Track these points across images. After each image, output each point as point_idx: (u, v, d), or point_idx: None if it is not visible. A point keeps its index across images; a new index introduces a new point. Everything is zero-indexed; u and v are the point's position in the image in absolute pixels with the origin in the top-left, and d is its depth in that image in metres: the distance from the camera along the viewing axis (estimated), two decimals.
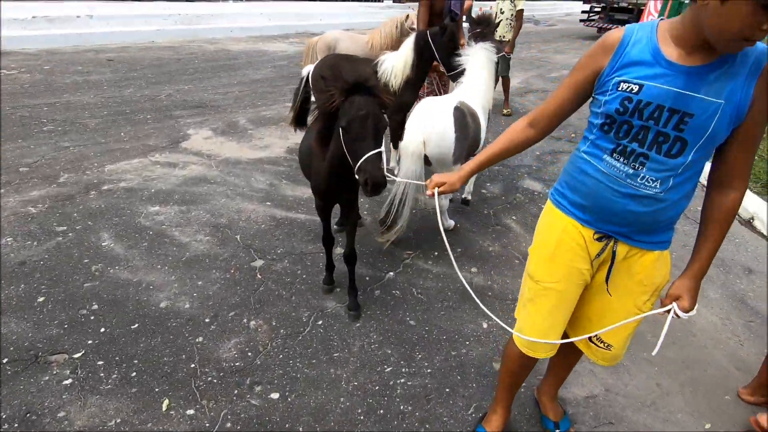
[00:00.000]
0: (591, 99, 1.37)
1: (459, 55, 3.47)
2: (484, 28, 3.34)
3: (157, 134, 4.86)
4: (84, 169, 3.96)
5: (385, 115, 1.81)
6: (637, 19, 14.64)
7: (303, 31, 12.98)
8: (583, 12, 16.34)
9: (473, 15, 4.62)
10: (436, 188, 1.58)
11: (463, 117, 2.83)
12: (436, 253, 3.12)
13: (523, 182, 4.36)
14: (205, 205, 3.54)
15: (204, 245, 3.04)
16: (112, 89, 6.29)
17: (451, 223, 3.36)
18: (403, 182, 2.73)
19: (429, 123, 2.78)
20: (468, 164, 1.57)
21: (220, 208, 3.50)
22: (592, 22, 15.83)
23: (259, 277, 2.77)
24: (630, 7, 14.78)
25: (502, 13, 5.53)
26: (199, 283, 2.68)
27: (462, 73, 3.48)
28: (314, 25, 13.53)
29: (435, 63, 3.69)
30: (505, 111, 6.15)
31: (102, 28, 9.44)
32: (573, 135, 5.73)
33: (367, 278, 2.82)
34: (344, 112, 1.76)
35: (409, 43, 3.72)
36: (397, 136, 4.10)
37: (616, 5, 15.02)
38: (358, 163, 1.74)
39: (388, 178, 1.82)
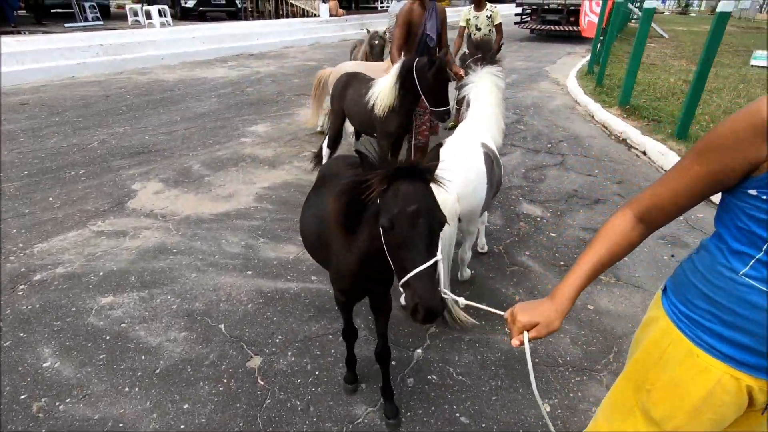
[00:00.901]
0: (736, 192, 0.96)
1: (444, 93, 3.13)
2: (484, 53, 3.01)
3: (95, 194, 4.09)
4: (5, 255, 3.17)
5: (439, 211, 1.33)
6: (567, 19, 15.23)
7: (240, 52, 12.25)
8: (516, 15, 16.76)
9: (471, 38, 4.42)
10: (525, 333, 1.12)
11: (491, 164, 2.44)
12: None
13: (521, 207, 4.05)
14: (172, 285, 2.90)
15: (181, 346, 2.42)
16: (32, 140, 5.36)
17: (468, 272, 2.95)
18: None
19: (462, 178, 2.33)
20: (567, 290, 1.11)
21: (192, 288, 2.88)
22: (526, 24, 16.28)
23: (262, 383, 2.20)
24: (559, 7, 15.31)
25: (479, 30, 5.25)
26: (185, 406, 2.07)
27: (449, 112, 3.15)
28: (252, 46, 12.83)
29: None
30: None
31: (10, 66, 8.26)
32: (549, 145, 5.56)
33: (393, 362, 2.34)
34: (386, 204, 1.27)
35: (394, 71, 3.32)
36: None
37: (546, 6, 15.52)
38: (406, 278, 1.26)
39: (445, 296, 1.35)
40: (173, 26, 13.37)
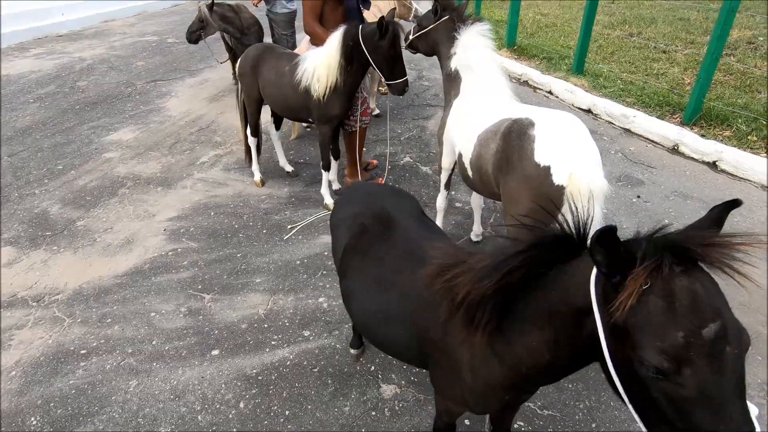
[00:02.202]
0: None
1: (401, 62, 2.58)
2: (452, 10, 2.43)
3: None
4: None
5: None
6: None
7: (44, 34, 9.46)
8: None
9: None
10: None
11: None
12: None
13: None
14: (105, 413, 1.94)
15: None
16: None
17: None
18: None
19: (588, 143, 1.76)
20: None
21: (140, 407, 1.96)
22: None
23: None
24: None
25: None
26: None
27: (407, 83, 2.63)
28: (57, 25, 10.00)
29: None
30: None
31: None
32: None
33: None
34: (648, 321, 0.72)
35: (334, 42, 2.60)
36: (327, 154, 3.05)
37: None
38: None
39: None
40: None
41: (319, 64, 2.72)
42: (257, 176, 3.63)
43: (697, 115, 4.16)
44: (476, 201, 2.78)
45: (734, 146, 3.77)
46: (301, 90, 2.85)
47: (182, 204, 3.43)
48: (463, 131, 2.19)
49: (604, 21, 7.78)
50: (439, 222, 2.81)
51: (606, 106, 4.67)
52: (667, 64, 5.78)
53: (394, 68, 2.64)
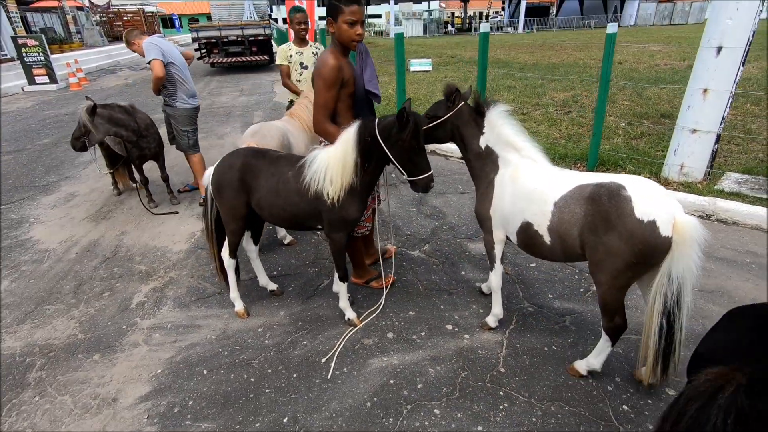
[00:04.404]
0: None
1: (424, 155, 2.36)
2: (465, 96, 2.50)
3: None
4: None
5: None
6: (250, 50, 15.21)
7: None
8: (196, 50, 15.48)
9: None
10: None
11: None
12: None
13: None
14: None
15: None
16: None
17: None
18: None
19: (672, 200, 1.93)
20: None
21: None
22: (208, 58, 15.30)
23: None
24: (239, 39, 15.08)
25: (305, 67, 4.27)
26: None
27: (430, 180, 2.38)
28: None
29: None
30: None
31: None
32: None
33: None
34: None
35: (349, 138, 2.30)
36: (343, 263, 2.65)
37: (225, 39, 14.98)
38: None
39: None
40: None
41: (331, 164, 2.36)
42: (239, 305, 2.90)
43: (596, 162, 4.96)
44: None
45: None
46: (311, 195, 2.42)
47: (149, 371, 2.48)
48: (530, 200, 2.22)
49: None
50: (497, 303, 2.66)
51: None
52: (535, 124, 6.86)
53: (417, 163, 2.35)
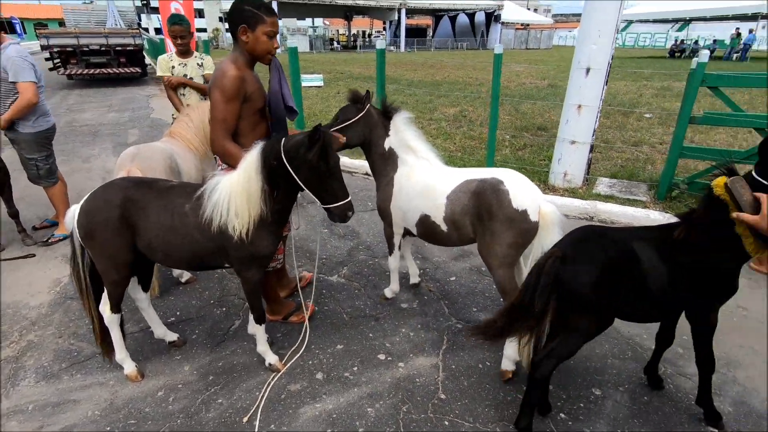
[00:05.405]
0: None
1: (340, 178, 2.06)
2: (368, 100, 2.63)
3: None
4: None
5: None
6: (118, 61, 13.53)
7: None
8: (46, 59, 13.28)
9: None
10: None
11: None
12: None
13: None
14: None
15: None
16: None
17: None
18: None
19: (535, 189, 2.30)
20: None
21: None
22: (63, 69, 13.22)
23: None
24: (104, 48, 13.31)
25: (189, 79, 3.76)
26: None
27: (351, 206, 2.11)
28: None
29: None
30: None
31: None
32: None
33: None
34: None
35: (251, 161, 2.00)
36: (259, 304, 2.37)
37: (86, 48, 13.09)
38: None
39: None
40: None
41: (234, 193, 2.02)
42: (130, 367, 2.38)
43: None
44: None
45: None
46: (215, 231, 2.08)
47: None
48: (425, 196, 2.47)
49: None
50: (395, 281, 3.04)
51: None
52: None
53: (330, 189, 2.03)
